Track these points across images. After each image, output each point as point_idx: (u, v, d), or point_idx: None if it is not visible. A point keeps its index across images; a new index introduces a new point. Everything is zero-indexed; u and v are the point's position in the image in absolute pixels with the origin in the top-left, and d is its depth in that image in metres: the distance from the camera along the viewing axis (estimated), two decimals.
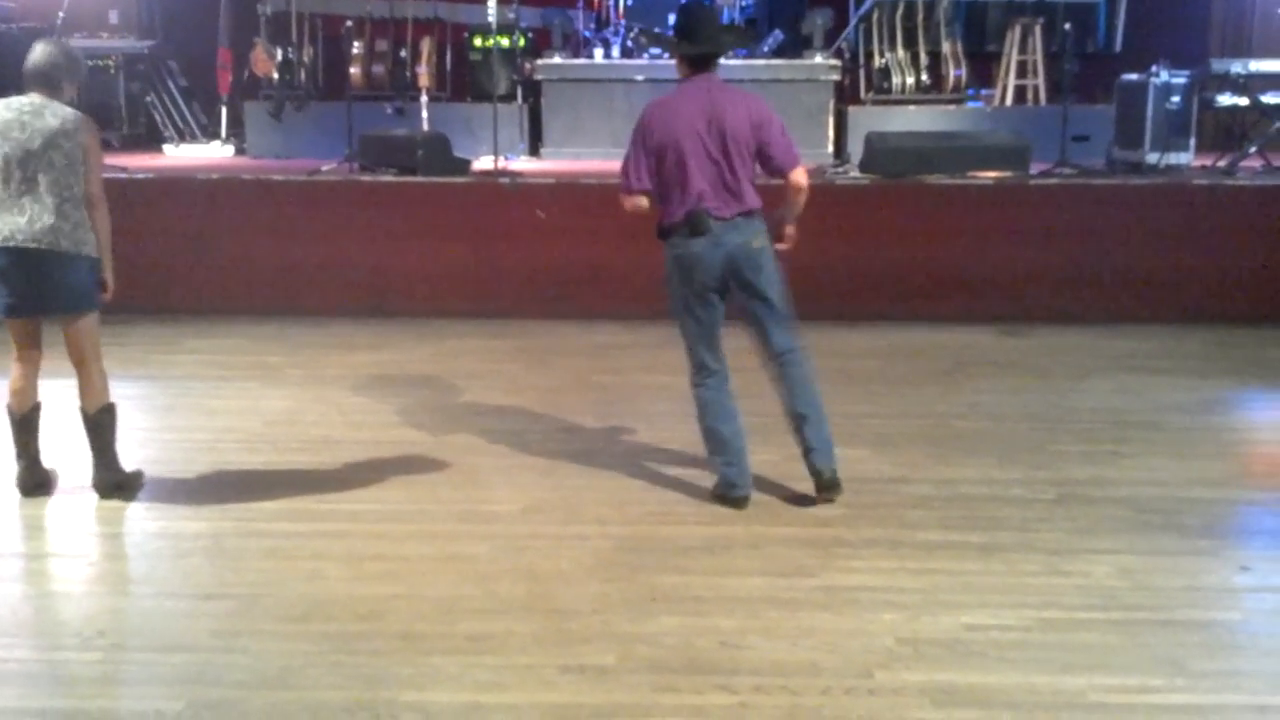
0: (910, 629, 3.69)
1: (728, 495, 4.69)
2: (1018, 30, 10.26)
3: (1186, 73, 8.65)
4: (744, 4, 10.32)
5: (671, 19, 8.41)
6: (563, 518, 4.61)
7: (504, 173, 8.47)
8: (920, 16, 10.43)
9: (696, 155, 4.47)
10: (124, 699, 3.29)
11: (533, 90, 10.15)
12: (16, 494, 4.78)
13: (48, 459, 4.89)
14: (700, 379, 4.69)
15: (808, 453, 4.66)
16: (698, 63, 4.61)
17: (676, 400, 5.21)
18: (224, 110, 10.81)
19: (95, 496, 4.79)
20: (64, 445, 4.97)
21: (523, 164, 9.43)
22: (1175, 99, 8.53)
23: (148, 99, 10.99)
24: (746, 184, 4.56)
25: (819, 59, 9.92)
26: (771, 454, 5.23)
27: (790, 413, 4.68)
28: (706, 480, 4.84)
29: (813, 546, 4.31)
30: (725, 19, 10.19)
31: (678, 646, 3.58)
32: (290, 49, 10.43)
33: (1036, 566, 4.15)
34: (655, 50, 9.98)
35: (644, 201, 4.60)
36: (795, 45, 10.19)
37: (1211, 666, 3.47)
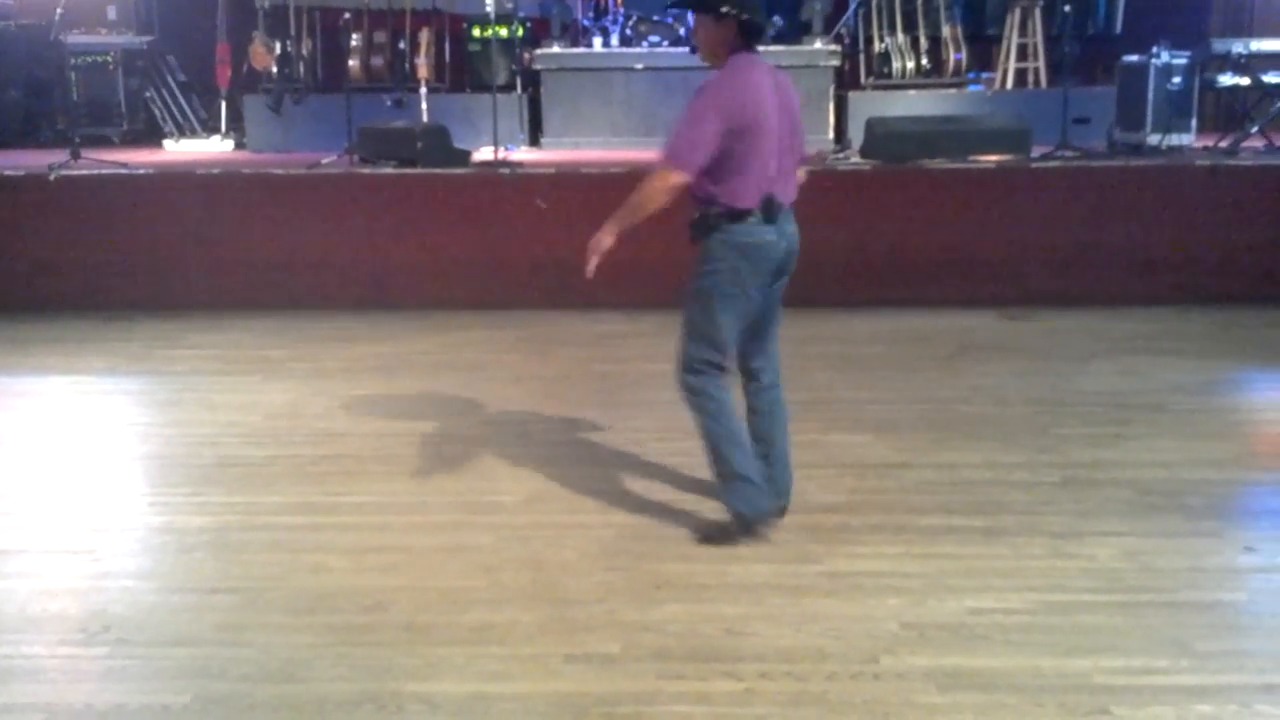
0: (915, 614, 3.69)
1: (761, 518, 4.24)
2: (1017, 13, 10.23)
3: (1187, 53, 8.63)
4: None
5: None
6: (566, 507, 4.61)
7: (504, 163, 8.45)
8: (920, 1, 10.40)
9: (769, 138, 4.02)
10: (130, 693, 3.28)
11: (532, 80, 10.14)
12: (22, 490, 4.78)
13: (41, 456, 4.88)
14: (714, 376, 4.18)
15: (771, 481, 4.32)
16: (754, 35, 4.07)
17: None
18: (223, 104, 10.81)
19: (100, 493, 4.80)
20: (55, 444, 4.97)
21: (523, 154, 9.43)
22: (1176, 80, 8.52)
23: (147, 94, 11.00)
24: (795, 172, 4.25)
25: (818, 44, 9.91)
26: None
27: (761, 436, 4.33)
28: (708, 469, 4.54)
29: (816, 532, 4.31)
30: None
31: (682, 634, 3.58)
32: (289, 42, 10.42)
33: (1041, 550, 4.15)
34: (654, 38, 9.97)
35: (682, 184, 4.03)
36: (794, 31, 10.17)
37: (1217, 647, 3.47)
